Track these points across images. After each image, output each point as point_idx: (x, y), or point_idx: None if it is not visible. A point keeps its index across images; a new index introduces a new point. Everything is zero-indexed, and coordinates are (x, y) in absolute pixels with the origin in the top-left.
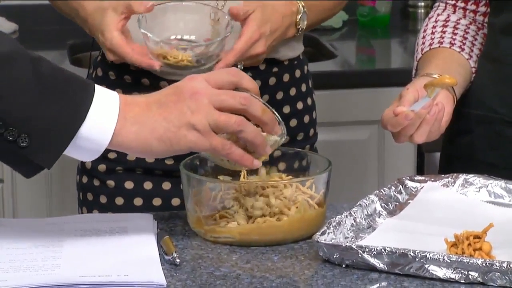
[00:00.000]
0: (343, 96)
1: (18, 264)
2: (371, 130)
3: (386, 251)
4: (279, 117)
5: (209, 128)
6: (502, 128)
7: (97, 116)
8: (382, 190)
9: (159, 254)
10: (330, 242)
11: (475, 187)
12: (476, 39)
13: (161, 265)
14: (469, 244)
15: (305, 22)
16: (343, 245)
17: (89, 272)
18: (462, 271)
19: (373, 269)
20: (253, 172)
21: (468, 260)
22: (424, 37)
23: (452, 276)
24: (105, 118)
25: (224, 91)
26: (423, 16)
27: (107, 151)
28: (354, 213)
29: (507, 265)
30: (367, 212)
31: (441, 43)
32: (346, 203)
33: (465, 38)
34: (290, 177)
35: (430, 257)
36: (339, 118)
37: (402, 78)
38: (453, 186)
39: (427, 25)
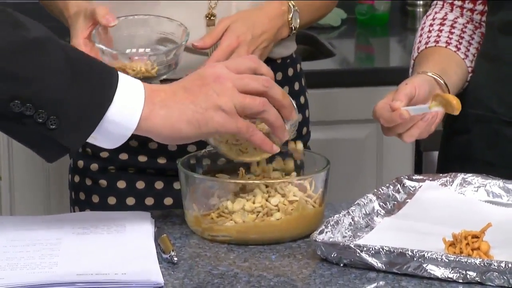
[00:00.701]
0: (341, 94)
1: (15, 262)
2: (370, 129)
3: (384, 250)
4: (295, 104)
5: (235, 110)
6: (500, 127)
7: (124, 99)
8: (380, 189)
9: (157, 253)
10: (328, 241)
11: (473, 186)
12: (473, 38)
13: (159, 264)
14: (467, 244)
15: (298, 21)
16: (341, 244)
17: (87, 270)
18: (460, 270)
19: (371, 268)
20: (251, 171)
21: (466, 260)
22: (421, 35)
23: (450, 275)
24: (132, 102)
25: (246, 75)
26: (421, 15)
27: (99, 150)
28: (352, 212)
29: (505, 264)
30: (365, 211)
31: (437, 42)
32: (344, 202)
33: (462, 38)
34: (289, 175)
35: (428, 257)
36: (337, 116)
37: (401, 76)
38: (451, 185)
39: (424, 23)
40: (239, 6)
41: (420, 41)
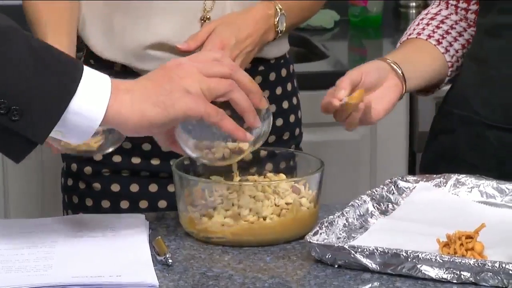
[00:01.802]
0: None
1: (10, 265)
2: (364, 130)
3: (379, 251)
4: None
5: (201, 92)
6: (483, 129)
7: (89, 90)
8: (374, 190)
9: (151, 255)
10: (323, 243)
11: (467, 187)
12: (461, 35)
13: (154, 266)
14: (461, 244)
15: (284, 24)
16: (336, 245)
17: (81, 272)
18: (454, 271)
19: (366, 269)
20: (245, 172)
21: (460, 260)
22: (410, 28)
23: (445, 276)
24: (98, 93)
25: (209, 61)
26: (414, 16)
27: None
28: (347, 213)
29: (499, 265)
30: (360, 212)
31: (420, 34)
32: (338, 203)
33: (448, 33)
34: (283, 177)
35: (423, 257)
36: (331, 118)
37: None
38: (445, 186)
39: (417, 17)
40: (234, 9)
41: (406, 33)
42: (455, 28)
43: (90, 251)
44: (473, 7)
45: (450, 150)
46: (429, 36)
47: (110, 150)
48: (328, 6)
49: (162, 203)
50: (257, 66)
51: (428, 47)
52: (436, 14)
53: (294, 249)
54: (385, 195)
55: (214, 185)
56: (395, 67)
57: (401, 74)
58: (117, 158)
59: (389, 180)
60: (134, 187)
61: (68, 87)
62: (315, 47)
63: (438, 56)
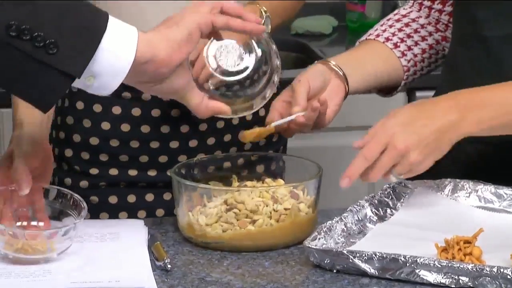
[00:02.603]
0: None
1: (9, 271)
2: (362, 135)
3: (377, 256)
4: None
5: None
6: (464, 145)
7: (118, 29)
8: (372, 196)
9: (150, 260)
10: (321, 248)
11: (465, 192)
12: (425, 40)
13: (152, 271)
14: (460, 249)
15: (270, 27)
16: (334, 250)
17: (80, 278)
18: (452, 276)
19: (364, 274)
20: (243, 178)
21: (458, 265)
22: (374, 27)
23: (443, 281)
24: (125, 31)
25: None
26: None
27: (88, 166)
28: (345, 218)
29: (498, 269)
30: (358, 218)
31: (378, 36)
32: (336, 209)
33: (409, 37)
34: (281, 182)
35: (421, 262)
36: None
37: None
38: (443, 191)
39: (386, 16)
40: None
41: (368, 33)
42: (419, 32)
43: (89, 257)
44: (448, 8)
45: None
46: (387, 39)
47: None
48: (326, 12)
49: (160, 212)
50: None
51: (382, 50)
52: (404, 16)
53: (293, 254)
54: (383, 200)
55: (212, 190)
56: (335, 68)
57: (342, 75)
58: (113, 172)
59: (387, 185)
60: (131, 198)
61: (99, 22)
62: (313, 52)
63: (392, 59)
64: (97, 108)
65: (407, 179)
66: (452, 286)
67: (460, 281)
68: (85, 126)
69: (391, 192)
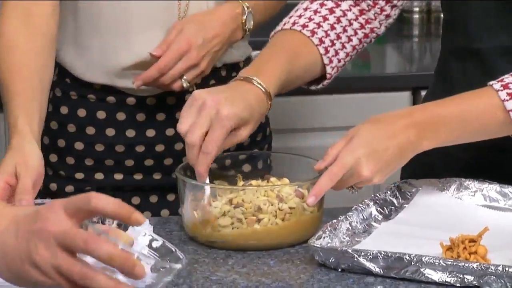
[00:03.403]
0: (338, 101)
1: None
2: None
3: (382, 255)
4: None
5: (52, 269)
6: (455, 152)
7: None
8: (377, 194)
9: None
10: (326, 246)
11: (470, 191)
12: (350, 41)
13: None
14: (465, 248)
15: (252, 23)
16: (339, 249)
17: None
18: (457, 274)
19: (369, 273)
20: (248, 176)
21: (463, 264)
22: (297, 8)
23: (448, 279)
24: None
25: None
26: (417, 21)
27: (73, 171)
28: (350, 217)
29: (503, 268)
30: (363, 216)
31: (305, 26)
32: (341, 208)
33: (339, 38)
34: (286, 181)
35: (426, 261)
36: (334, 123)
37: (397, 83)
38: (448, 190)
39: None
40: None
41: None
42: (346, 31)
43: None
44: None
45: (428, 171)
46: (313, 32)
47: None
48: None
49: (147, 214)
50: (230, 72)
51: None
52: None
53: (298, 253)
54: (388, 199)
55: (218, 189)
56: (259, 87)
57: (264, 90)
58: (99, 176)
59: (393, 184)
60: None
61: None
62: None
63: (314, 53)
64: (81, 112)
65: (403, 177)
66: (457, 285)
67: (465, 280)
68: (69, 131)
69: (396, 191)
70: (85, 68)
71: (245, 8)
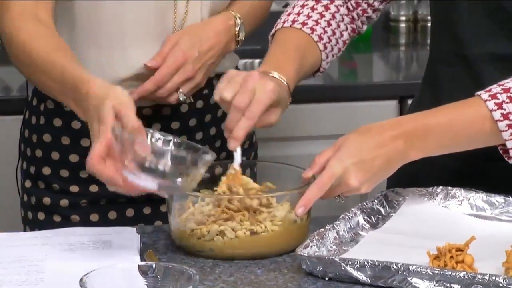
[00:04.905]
0: (325, 110)
1: (1, 279)
2: None
3: (369, 263)
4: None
5: None
6: (444, 161)
7: None
8: (364, 203)
9: None
10: (313, 255)
11: (457, 200)
12: (342, 36)
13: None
14: (452, 257)
15: (243, 34)
16: (326, 258)
17: (73, 286)
18: (444, 283)
19: (356, 282)
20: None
21: (450, 273)
22: (293, 6)
23: None
24: None
25: None
26: (404, 30)
27: (68, 184)
28: (337, 226)
29: (489, 277)
30: (350, 225)
31: (295, 22)
32: (329, 216)
33: (330, 25)
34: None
35: (413, 270)
36: (322, 132)
37: (384, 92)
38: (435, 199)
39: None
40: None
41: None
42: (339, 27)
43: (81, 265)
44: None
45: (414, 180)
46: (312, 30)
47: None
48: None
49: (141, 226)
50: (212, 80)
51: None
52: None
53: (285, 262)
54: (375, 208)
55: (205, 199)
56: (285, 83)
57: (287, 86)
58: (94, 188)
59: (380, 193)
60: (112, 215)
61: None
62: None
63: (317, 51)
64: (76, 125)
65: (389, 186)
66: None
67: None
68: (63, 143)
69: (383, 200)
70: None
71: (238, 19)
